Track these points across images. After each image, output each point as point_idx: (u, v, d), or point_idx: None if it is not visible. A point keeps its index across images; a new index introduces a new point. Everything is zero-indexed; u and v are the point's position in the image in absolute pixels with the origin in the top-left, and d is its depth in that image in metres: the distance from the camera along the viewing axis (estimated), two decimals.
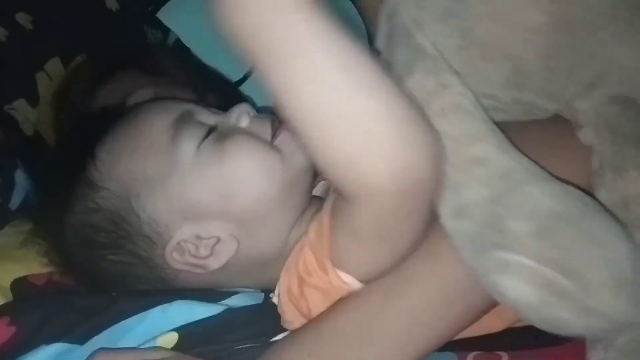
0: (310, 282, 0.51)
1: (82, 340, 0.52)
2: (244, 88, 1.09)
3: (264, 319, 0.55)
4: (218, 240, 0.55)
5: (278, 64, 0.41)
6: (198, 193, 0.54)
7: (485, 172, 0.46)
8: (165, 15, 1.03)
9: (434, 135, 0.45)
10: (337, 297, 0.51)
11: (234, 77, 1.09)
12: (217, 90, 0.83)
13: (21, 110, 0.81)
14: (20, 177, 0.63)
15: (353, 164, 0.43)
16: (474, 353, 0.54)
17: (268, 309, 0.56)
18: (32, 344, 0.51)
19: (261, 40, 0.41)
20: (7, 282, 0.58)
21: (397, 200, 0.44)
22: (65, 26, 0.86)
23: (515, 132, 0.50)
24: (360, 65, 0.42)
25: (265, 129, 0.57)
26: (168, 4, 1.03)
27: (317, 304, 0.52)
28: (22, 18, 0.82)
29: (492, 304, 0.51)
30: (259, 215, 0.55)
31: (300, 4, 0.41)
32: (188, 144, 0.55)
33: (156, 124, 0.56)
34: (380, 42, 0.55)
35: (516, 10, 0.50)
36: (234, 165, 0.54)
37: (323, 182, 0.64)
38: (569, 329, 0.45)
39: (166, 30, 1.01)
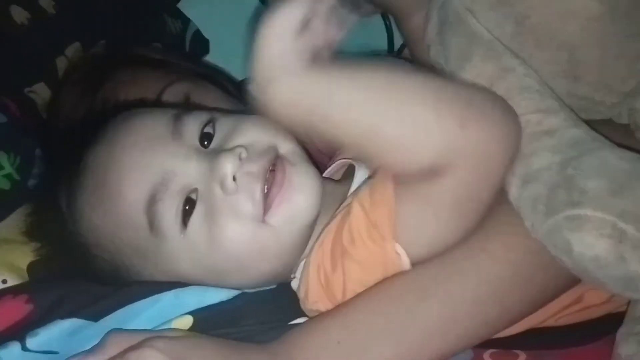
0: (354, 255, 0.50)
1: (95, 317, 0.51)
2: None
3: (279, 304, 0.55)
4: None
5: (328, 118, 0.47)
6: (192, 272, 0.53)
7: (555, 142, 0.47)
8: (186, 6, 1.04)
9: (505, 105, 0.48)
10: (378, 276, 0.50)
11: (248, 72, 1.09)
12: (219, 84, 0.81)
13: (40, 93, 0.80)
14: (39, 159, 0.63)
15: (437, 132, 0.46)
16: (490, 351, 0.53)
17: (283, 294, 0.56)
18: (47, 320, 0.51)
19: (302, 105, 0.47)
20: (24, 264, 0.58)
21: (470, 165, 0.46)
22: (87, 12, 0.86)
23: None
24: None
25: (253, 193, 0.51)
26: None
27: (354, 282, 0.50)
28: (45, 2, 0.82)
29: (530, 309, 0.51)
30: (262, 280, 0.55)
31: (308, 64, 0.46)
32: (172, 230, 0.51)
33: (129, 202, 0.52)
34: (431, 33, 0.56)
35: None
36: (223, 251, 0.51)
37: (336, 163, 0.62)
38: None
39: (186, 21, 1.02)
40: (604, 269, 0.44)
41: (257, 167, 0.51)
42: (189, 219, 0.51)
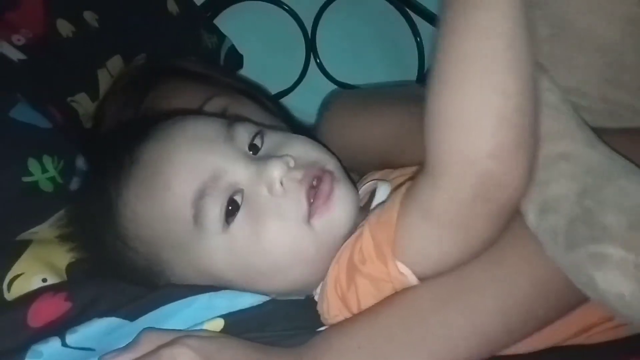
0: (364, 271, 0.51)
1: (131, 317, 0.53)
2: (291, 97, 1.12)
3: (307, 313, 0.56)
4: None
5: (462, 4, 0.45)
6: (226, 270, 0.55)
7: (572, 167, 0.46)
8: (222, 22, 1.07)
9: (537, 140, 0.46)
10: (388, 292, 0.51)
11: (283, 85, 1.12)
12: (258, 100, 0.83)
13: (82, 103, 0.83)
14: (81, 163, 0.65)
15: (461, 130, 0.45)
16: None
17: (310, 305, 0.57)
18: (85, 318, 0.53)
19: None
20: (63, 264, 0.59)
21: (481, 186, 0.45)
22: (128, 26, 0.89)
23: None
24: (522, 40, 0.44)
25: (299, 197, 0.53)
26: (225, 12, 1.07)
27: (367, 296, 0.52)
28: (88, 16, 0.85)
29: (550, 320, 0.51)
30: (290, 287, 0.56)
31: None
32: (215, 226, 0.53)
33: (178, 195, 0.53)
34: None
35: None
36: (264, 251, 0.53)
37: (367, 184, 0.63)
38: None
39: (221, 36, 1.04)
40: (629, 307, 0.43)
41: (302, 175, 0.54)
42: (232, 217, 0.53)
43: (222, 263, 0.54)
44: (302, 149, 0.57)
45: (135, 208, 0.55)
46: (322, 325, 0.55)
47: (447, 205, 0.47)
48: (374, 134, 0.69)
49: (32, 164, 0.60)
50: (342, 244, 0.55)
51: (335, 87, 1.13)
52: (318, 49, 1.13)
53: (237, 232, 0.53)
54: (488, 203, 0.45)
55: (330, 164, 0.57)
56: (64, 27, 0.82)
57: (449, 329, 0.49)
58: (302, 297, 0.59)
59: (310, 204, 0.53)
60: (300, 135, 0.60)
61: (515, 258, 0.49)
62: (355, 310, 0.53)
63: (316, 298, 0.57)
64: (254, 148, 0.57)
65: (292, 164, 0.54)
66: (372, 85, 1.05)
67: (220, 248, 0.54)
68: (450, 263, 0.49)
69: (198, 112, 0.72)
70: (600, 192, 0.44)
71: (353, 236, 0.54)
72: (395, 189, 0.58)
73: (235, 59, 1.06)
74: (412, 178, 0.53)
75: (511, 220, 0.48)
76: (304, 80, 1.12)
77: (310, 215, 0.53)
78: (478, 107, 0.44)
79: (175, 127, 0.57)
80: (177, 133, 0.56)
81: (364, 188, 0.64)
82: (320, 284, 0.56)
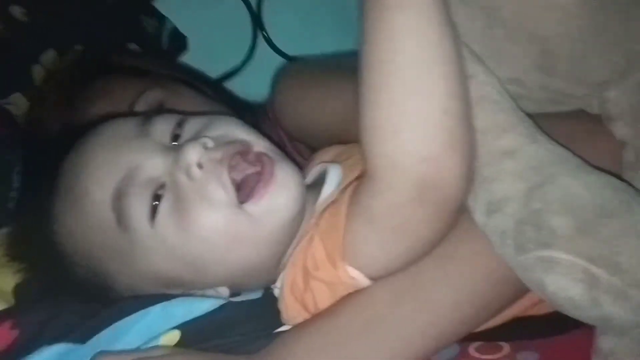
0: (317, 276, 0.51)
1: (83, 339, 0.52)
2: (242, 75, 1.09)
3: (265, 313, 0.55)
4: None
5: (379, 10, 0.44)
6: (168, 268, 0.53)
7: (517, 165, 0.46)
8: (161, 3, 1.02)
9: (472, 139, 0.46)
10: (343, 294, 0.51)
11: (229, 64, 1.09)
12: (197, 87, 0.81)
13: (17, 103, 0.80)
14: (17, 181, 0.63)
15: (391, 136, 0.44)
16: (476, 344, 0.54)
17: (268, 303, 0.56)
18: (34, 346, 0.51)
19: None
20: (9, 287, 0.58)
21: (417, 190, 0.44)
22: (60, 17, 0.85)
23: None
24: (445, 42, 0.44)
25: (220, 177, 0.51)
26: None
27: (323, 298, 0.51)
28: (16, 11, 0.81)
29: (504, 306, 0.51)
30: (241, 273, 0.55)
31: None
32: (140, 224, 0.51)
33: (96, 200, 0.52)
34: None
35: None
36: (196, 238, 0.51)
37: (318, 166, 0.63)
38: (616, 323, 0.44)
39: (162, 19, 1.00)
40: (580, 309, 0.44)
41: (221, 153, 0.52)
42: (157, 210, 0.51)
43: (162, 261, 0.53)
44: (224, 129, 0.55)
45: (65, 222, 0.54)
46: (282, 324, 0.55)
47: (386, 209, 0.46)
48: (324, 109, 0.68)
49: None
50: (290, 228, 0.54)
51: (286, 61, 1.10)
52: (265, 24, 1.09)
53: (164, 225, 0.51)
54: (426, 205, 0.45)
55: (260, 145, 0.55)
56: None
57: (406, 325, 0.49)
58: (259, 295, 0.58)
59: (235, 183, 0.52)
60: (225, 117, 0.58)
61: (467, 252, 0.49)
62: (313, 312, 0.52)
63: (275, 293, 0.56)
64: (176, 139, 0.55)
65: (210, 144, 0.52)
66: (323, 56, 1.03)
67: (153, 245, 0.52)
68: (398, 264, 0.49)
69: (128, 114, 0.69)
70: (546, 193, 0.44)
71: (305, 239, 0.53)
72: (346, 172, 0.57)
73: (179, 41, 1.02)
74: (359, 177, 0.51)
75: (460, 215, 0.48)
76: (254, 57, 1.09)
77: (246, 199, 0.51)
78: (404, 112, 0.44)
79: (90, 134, 0.56)
80: (92, 139, 0.55)
81: (314, 170, 0.63)
82: (279, 278, 0.55)
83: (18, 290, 0.59)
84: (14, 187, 0.62)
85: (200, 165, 0.51)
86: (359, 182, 0.50)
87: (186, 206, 0.51)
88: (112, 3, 0.93)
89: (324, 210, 0.53)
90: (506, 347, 0.53)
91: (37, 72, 0.82)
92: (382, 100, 0.44)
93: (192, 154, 0.51)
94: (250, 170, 0.53)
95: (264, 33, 1.10)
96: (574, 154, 0.47)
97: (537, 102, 0.51)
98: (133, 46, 0.94)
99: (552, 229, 0.43)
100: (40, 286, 0.58)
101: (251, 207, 0.52)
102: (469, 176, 0.46)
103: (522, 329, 0.54)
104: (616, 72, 0.50)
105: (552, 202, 0.44)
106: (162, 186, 0.52)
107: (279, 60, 1.09)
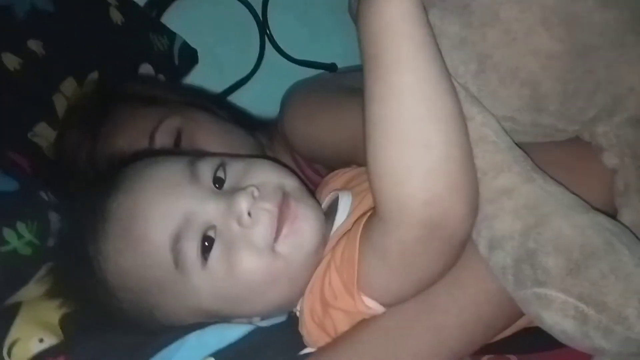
0: (336, 305, 0.55)
1: None
2: (252, 83, 1.12)
3: (291, 334, 0.60)
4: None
5: (377, 70, 0.48)
6: (212, 303, 0.57)
7: (514, 203, 0.49)
8: (169, 19, 1.05)
9: (473, 179, 0.49)
10: (360, 318, 0.55)
11: (242, 72, 1.11)
12: (211, 110, 0.84)
13: (43, 134, 0.82)
14: (54, 217, 0.67)
15: (396, 184, 0.48)
16: (486, 357, 0.58)
17: (293, 326, 0.60)
18: None
19: (371, 44, 0.48)
20: (55, 320, 0.62)
21: (424, 229, 0.48)
22: (75, 45, 0.87)
23: (534, 155, 0.53)
24: (441, 95, 0.47)
25: (269, 225, 0.56)
26: (171, 8, 1.05)
27: (342, 324, 0.56)
28: (33, 44, 0.83)
29: (511, 322, 0.55)
30: (274, 306, 0.59)
31: (408, 15, 0.47)
32: (194, 265, 0.55)
33: (156, 243, 0.56)
34: None
35: (531, 37, 0.51)
36: (241, 281, 0.56)
37: (331, 194, 0.66)
38: (607, 354, 0.48)
39: (171, 35, 1.03)
40: (572, 340, 0.48)
41: (270, 204, 0.56)
42: (208, 254, 0.56)
43: (208, 297, 0.57)
44: (263, 176, 0.59)
45: (117, 261, 0.57)
46: (305, 345, 0.59)
47: (397, 247, 0.50)
48: (332, 134, 0.71)
49: (8, 234, 0.62)
50: (315, 259, 0.58)
51: (294, 65, 1.12)
52: (272, 31, 1.11)
53: (214, 266, 0.56)
54: (434, 242, 0.49)
55: (290, 183, 0.60)
56: (11, 61, 0.81)
57: (420, 347, 0.54)
58: (284, 318, 0.63)
59: (277, 230, 0.56)
60: (258, 160, 0.63)
61: (472, 279, 0.53)
62: (333, 335, 0.57)
63: (297, 313, 0.61)
64: (218, 181, 0.59)
65: (256, 193, 0.57)
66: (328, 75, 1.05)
67: (203, 284, 0.56)
68: (410, 293, 0.53)
69: (152, 150, 0.73)
70: (540, 234, 0.48)
71: (321, 267, 0.57)
72: (356, 198, 0.61)
73: (190, 54, 1.05)
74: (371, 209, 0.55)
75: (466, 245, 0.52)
76: (262, 64, 1.12)
77: (274, 240, 0.56)
78: (405, 162, 0.47)
79: (140, 177, 0.59)
80: (144, 184, 0.58)
81: (327, 199, 0.66)
82: (299, 302, 0.60)
83: (64, 321, 0.63)
84: (52, 225, 0.65)
85: (249, 214, 0.56)
86: (370, 217, 0.53)
87: (233, 249, 0.55)
88: (122, 25, 0.95)
89: (339, 240, 0.57)
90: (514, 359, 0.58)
91: (59, 101, 0.84)
92: (384, 155, 0.48)
93: (244, 203, 0.56)
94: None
95: (272, 40, 1.11)
96: (567, 188, 0.50)
97: (531, 136, 0.55)
98: (146, 66, 0.97)
99: (546, 269, 0.47)
100: (85, 319, 0.62)
101: (280, 247, 0.56)
102: (473, 213, 0.49)
103: (530, 341, 0.58)
104: (604, 111, 0.53)
105: (545, 243, 0.47)
106: (211, 228, 0.56)
107: (287, 65, 1.11)
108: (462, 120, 0.48)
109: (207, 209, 0.56)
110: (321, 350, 0.57)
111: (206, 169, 0.59)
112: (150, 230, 0.56)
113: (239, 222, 0.56)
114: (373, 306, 0.54)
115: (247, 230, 0.56)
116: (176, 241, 0.55)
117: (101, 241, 0.57)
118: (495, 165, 0.50)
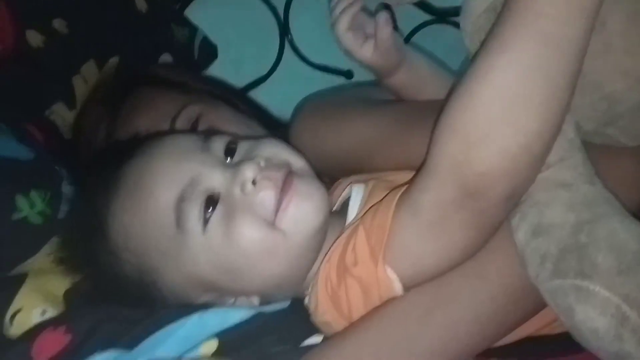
0: (355, 274, 0.54)
1: (130, 346, 0.56)
2: (269, 83, 1.12)
3: (294, 322, 0.60)
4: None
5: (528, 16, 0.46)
6: (209, 271, 0.58)
7: (571, 197, 0.49)
8: (192, 13, 1.06)
9: (534, 176, 0.49)
10: (375, 298, 0.55)
11: (260, 72, 1.12)
12: (231, 103, 0.84)
13: (60, 113, 0.83)
14: (67, 189, 0.67)
15: (462, 141, 0.47)
16: None
17: (296, 313, 0.60)
18: (85, 351, 0.56)
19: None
20: (60, 292, 0.62)
21: (461, 194, 0.48)
22: (99, 29, 0.88)
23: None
24: (566, 89, 0.47)
25: (270, 193, 0.56)
26: (195, 2, 1.06)
27: (356, 299, 0.55)
28: (58, 23, 0.84)
29: (521, 323, 0.55)
30: (272, 284, 0.59)
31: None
32: (195, 227, 0.56)
33: (160, 201, 0.57)
34: None
35: (628, 58, 0.50)
36: (238, 248, 0.56)
37: (345, 190, 0.66)
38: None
39: (193, 29, 1.04)
40: (600, 341, 0.47)
41: (275, 175, 0.57)
42: (210, 217, 0.56)
43: (205, 264, 0.57)
44: (273, 150, 0.60)
45: (123, 219, 0.58)
46: (312, 329, 0.59)
47: (431, 204, 0.50)
48: (343, 144, 0.72)
49: (20, 201, 0.62)
50: (315, 242, 0.58)
51: (311, 69, 1.13)
52: (292, 32, 1.12)
53: (214, 230, 0.56)
54: (466, 211, 0.49)
55: (296, 162, 0.61)
56: (35, 38, 0.82)
57: (432, 339, 0.54)
58: (287, 304, 0.62)
59: (277, 203, 0.56)
60: (269, 138, 0.64)
61: (493, 271, 0.53)
62: (345, 309, 0.56)
63: (306, 300, 0.60)
64: (230, 152, 0.60)
65: (263, 163, 0.57)
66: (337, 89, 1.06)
67: (201, 249, 0.57)
68: (430, 269, 0.53)
69: (173, 131, 0.73)
70: (594, 229, 0.47)
71: (345, 235, 0.57)
72: (371, 190, 0.61)
73: (209, 49, 1.06)
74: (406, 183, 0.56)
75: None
76: (281, 65, 1.12)
77: (275, 213, 0.56)
78: (484, 130, 0.47)
79: (154, 144, 0.61)
80: (157, 149, 0.60)
81: (342, 194, 0.66)
82: (310, 285, 0.59)
83: (68, 295, 0.63)
84: (65, 199, 0.66)
85: (253, 182, 0.56)
86: (411, 180, 0.53)
87: (233, 215, 0.56)
88: (146, 13, 0.96)
89: (366, 211, 0.57)
90: None
91: (78, 82, 0.85)
92: (470, 107, 0.48)
93: (249, 171, 0.57)
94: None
95: (292, 42, 1.12)
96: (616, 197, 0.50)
97: (587, 139, 0.55)
98: (166, 56, 0.98)
99: (595, 264, 0.46)
100: (88, 291, 0.62)
101: (280, 222, 0.56)
102: (512, 201, 0.50)
103: (535, 347, 0.58)
104: None
105: (599, 240, 0.47)
106: (217, 196, 0.57)
107: (304, 68, 1.12)
108: (561, 124, 0.48)
109: (214, 176, 0.57)
110: (331, 339, 0.57)
111: (219, 141, 0.61)
112: (157, 189, 0.57)
113: (242, 189, 0.56)
114: (393, 280, 0.53)
115: (249, 198, 0.56)
116: (180, 200, 0.56)
117: (110, 200, 0.59)
118: (562, 161, 0.50)
